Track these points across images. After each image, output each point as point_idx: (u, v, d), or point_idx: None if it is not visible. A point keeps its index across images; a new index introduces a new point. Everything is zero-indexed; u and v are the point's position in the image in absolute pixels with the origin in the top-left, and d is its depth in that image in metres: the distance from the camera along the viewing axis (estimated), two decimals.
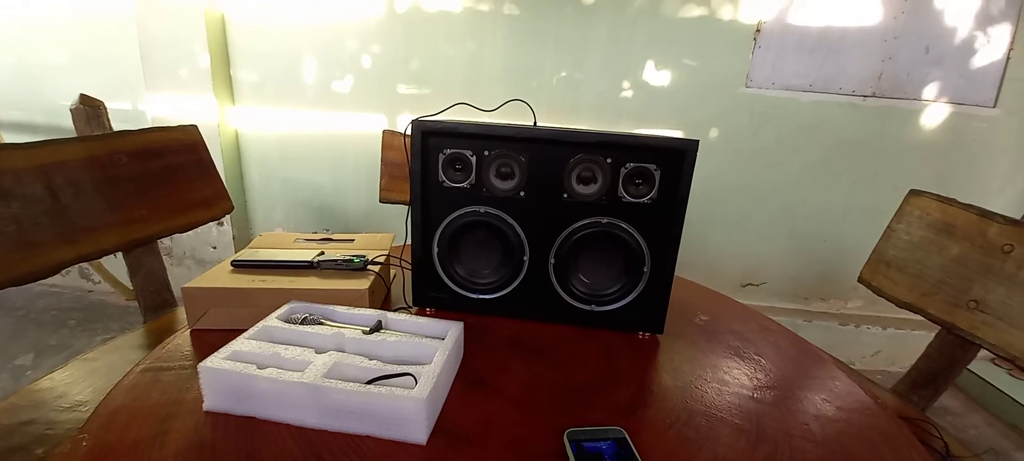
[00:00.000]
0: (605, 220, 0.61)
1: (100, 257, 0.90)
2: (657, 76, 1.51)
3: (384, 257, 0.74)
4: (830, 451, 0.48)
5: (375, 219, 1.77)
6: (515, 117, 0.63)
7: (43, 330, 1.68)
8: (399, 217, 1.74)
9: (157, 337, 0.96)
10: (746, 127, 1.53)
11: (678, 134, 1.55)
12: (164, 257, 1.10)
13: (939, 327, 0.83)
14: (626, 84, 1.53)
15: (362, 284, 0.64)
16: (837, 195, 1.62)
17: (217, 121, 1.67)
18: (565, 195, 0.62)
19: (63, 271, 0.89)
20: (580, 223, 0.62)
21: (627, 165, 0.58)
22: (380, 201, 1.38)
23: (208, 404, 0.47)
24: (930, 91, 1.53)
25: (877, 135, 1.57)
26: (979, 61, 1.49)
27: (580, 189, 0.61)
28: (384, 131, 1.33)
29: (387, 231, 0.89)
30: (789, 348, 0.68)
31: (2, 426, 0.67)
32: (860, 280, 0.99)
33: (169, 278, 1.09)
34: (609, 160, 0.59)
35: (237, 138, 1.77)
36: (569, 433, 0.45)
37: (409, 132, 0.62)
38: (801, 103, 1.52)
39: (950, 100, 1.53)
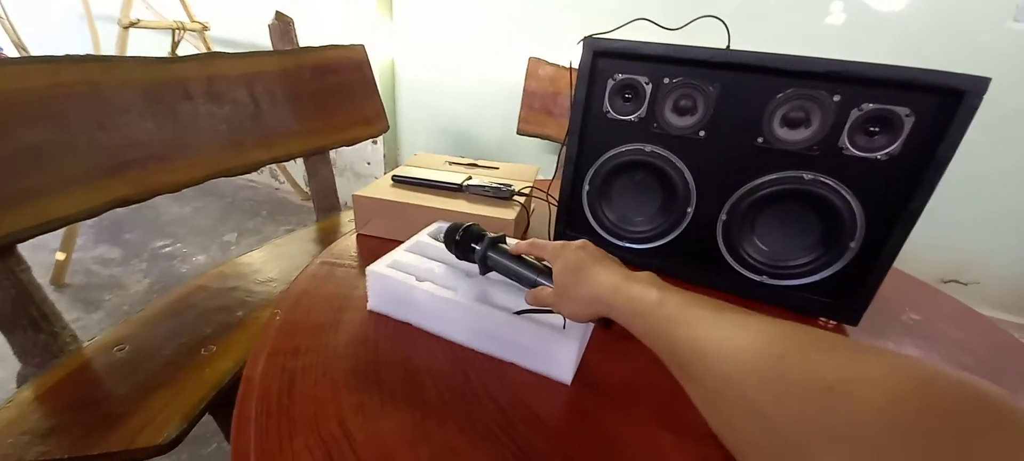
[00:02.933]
0: (809, 176, 0.49)
1: (287, 160, 1.04)
2: None
3: (529, 189, 0.71)
4: None
5: (506, 151, 1.77)
6: (698, 41, 0.52)
7: (243, 215, 2.08)
8: (531, 151, 1.70)
9: (326, 234, 1.10)
10: (1008, 79, 1.12)
11: None
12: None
13: None
14: (836, 6, 1.21)
15: (509, 214, 0.63)
16: None
17: (377, 44, 1.78)
18: (760, 140, 0.51)
19: (259, 169, 1.05)
20: (773, 176, 0.51)
21: (863, 106, 0.45)
22: (517, 133, 1.36)
23: (372, 305, 0.50)
24: None
25: None
26: None
27: (784, 133, 0.49)
28: (530, 58, 1.28)
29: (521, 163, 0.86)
30: None
31: (215, 288, 0.83)
32: None
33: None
34: (837, 97, 0.45)
35: (392, 62, 1.88)
36: None
37: (577, 57, 0.55)
38: None
39: None
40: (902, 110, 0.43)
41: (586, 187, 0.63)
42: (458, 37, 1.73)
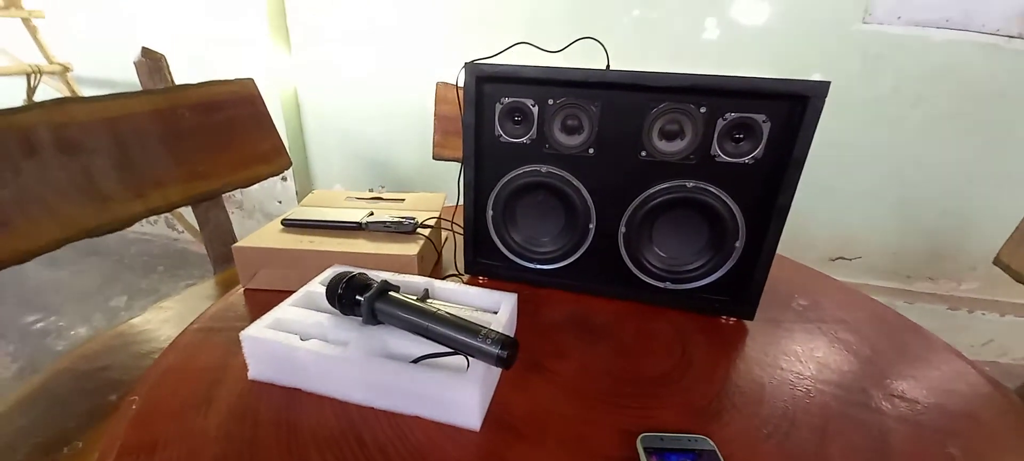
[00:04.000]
0: (691, 184, 0.51)
1: (169, 210, 0.93)
2: (750, 11, 1.29)
3: (434, 220, 0.68)
4: None
5: (428, 176, 1.73)
6: (584, 61, 0.53)
7: (135, 274, 1.85)
8: (454, 174, 1.68)
9: (224, 288, 0.99)
10: (858, 72, 1.28)
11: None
12: (236, 210, 1.13)
13: None
14: (710, 22, 1.32)
15: (411, 250, 0.59)
16: (965, 157, 1.35)
17: (275, 73, 1.68)
18: (643, 153, 0.52)
19: (152, 219, 0.93)
20: (659, 187, 0.53)
21: (726, 116, 0.47)
22: (433, 158, 1.33)
23: (253, 373, 0.44)
24: None
25: (1022, 85, 1.28)
26: None
27: (662, 146, 0.51)
28: (437, 83, 1.26)
29: (441, 189, 0.84)
30: (919, 348, 0.56)
31: (82, 370, 0.71)
32: (997, 261, 0.81)
33: (236, 231, 1.12)
34: (703, 109, 0.48)
35: (296, 92, 1.78)
36: (644, 439, 0.38)
37: (462, 78, 0.54)
38: (932, 43, 1.25)
39: None
40: (759, 117, 0.46)
41: (490, 212, 0.62)
42: (363, 64, 1.68)
